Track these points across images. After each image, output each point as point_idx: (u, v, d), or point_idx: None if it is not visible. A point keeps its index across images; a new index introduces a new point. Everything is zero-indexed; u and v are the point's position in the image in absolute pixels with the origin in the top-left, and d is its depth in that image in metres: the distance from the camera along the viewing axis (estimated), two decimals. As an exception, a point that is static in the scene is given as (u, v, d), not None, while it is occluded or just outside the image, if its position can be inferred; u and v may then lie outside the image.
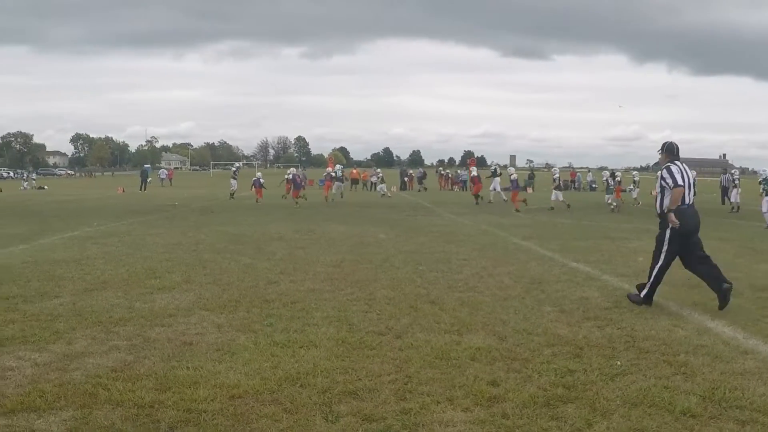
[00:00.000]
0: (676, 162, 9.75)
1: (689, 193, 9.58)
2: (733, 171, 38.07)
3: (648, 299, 9.49)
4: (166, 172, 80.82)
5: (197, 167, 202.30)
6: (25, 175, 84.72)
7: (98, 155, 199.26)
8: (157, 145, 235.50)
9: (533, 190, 37.46)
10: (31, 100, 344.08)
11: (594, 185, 63.42)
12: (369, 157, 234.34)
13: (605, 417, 5.21)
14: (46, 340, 7.43)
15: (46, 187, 68.22)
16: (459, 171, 70.86)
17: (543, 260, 13.67)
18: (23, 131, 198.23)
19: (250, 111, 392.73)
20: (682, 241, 9.53)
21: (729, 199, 36.63)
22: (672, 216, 9.38)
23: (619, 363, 6.61)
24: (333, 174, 41.01)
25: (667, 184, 9.58)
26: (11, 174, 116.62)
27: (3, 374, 6.26)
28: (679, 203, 9.40)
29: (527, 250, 15.65)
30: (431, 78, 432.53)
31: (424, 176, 63.83)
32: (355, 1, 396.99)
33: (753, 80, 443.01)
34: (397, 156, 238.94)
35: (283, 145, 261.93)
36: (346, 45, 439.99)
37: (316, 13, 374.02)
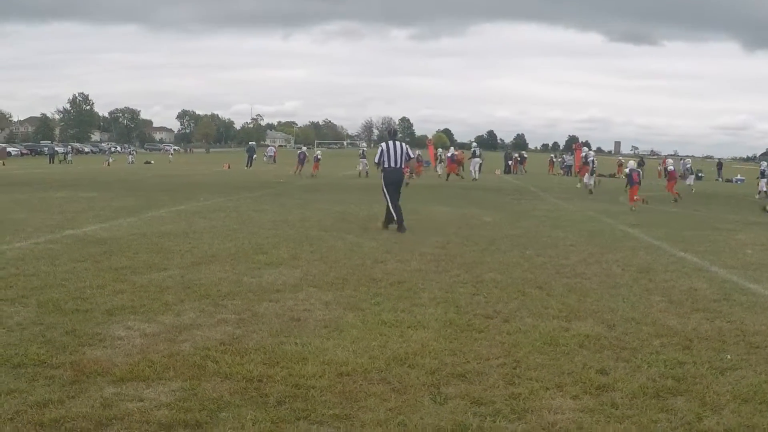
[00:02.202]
0: (389, 142, 15.66)
1: (394, 160, 15.35)
2: None
3: (401, 226, 14.99)
4: (273, 149, 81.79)
5: (301, 145, 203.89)
6: (131, 149, 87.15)
7: (204, 131, 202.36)
8: (263, 123, 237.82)
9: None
10: (139, 78, 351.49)
11: (701, 174, 61.76)
12: (472, 140, 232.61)
13: (715, 412, 5.14)
14: (155, 311, 7.61)
15: (152, 161, 70.14)
16: (564, 156, 69.96)
17: (650, 249, 13.46)
18: (130, 107, 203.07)
19: (356, 91, 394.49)
20: (390, 188, 15.30)
21: None
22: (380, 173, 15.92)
23: (729, 357, 6.49)
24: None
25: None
26: (118, 149, 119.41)
27: (113, 343, 6.43)
28: (385, 167, 15.42)
29: (634, 237, 15.42)
30: (538, 62, 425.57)
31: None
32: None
33: None
34: (501, 139, 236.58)
35: (387, 125, 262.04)
36: (454, 27, 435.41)
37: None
